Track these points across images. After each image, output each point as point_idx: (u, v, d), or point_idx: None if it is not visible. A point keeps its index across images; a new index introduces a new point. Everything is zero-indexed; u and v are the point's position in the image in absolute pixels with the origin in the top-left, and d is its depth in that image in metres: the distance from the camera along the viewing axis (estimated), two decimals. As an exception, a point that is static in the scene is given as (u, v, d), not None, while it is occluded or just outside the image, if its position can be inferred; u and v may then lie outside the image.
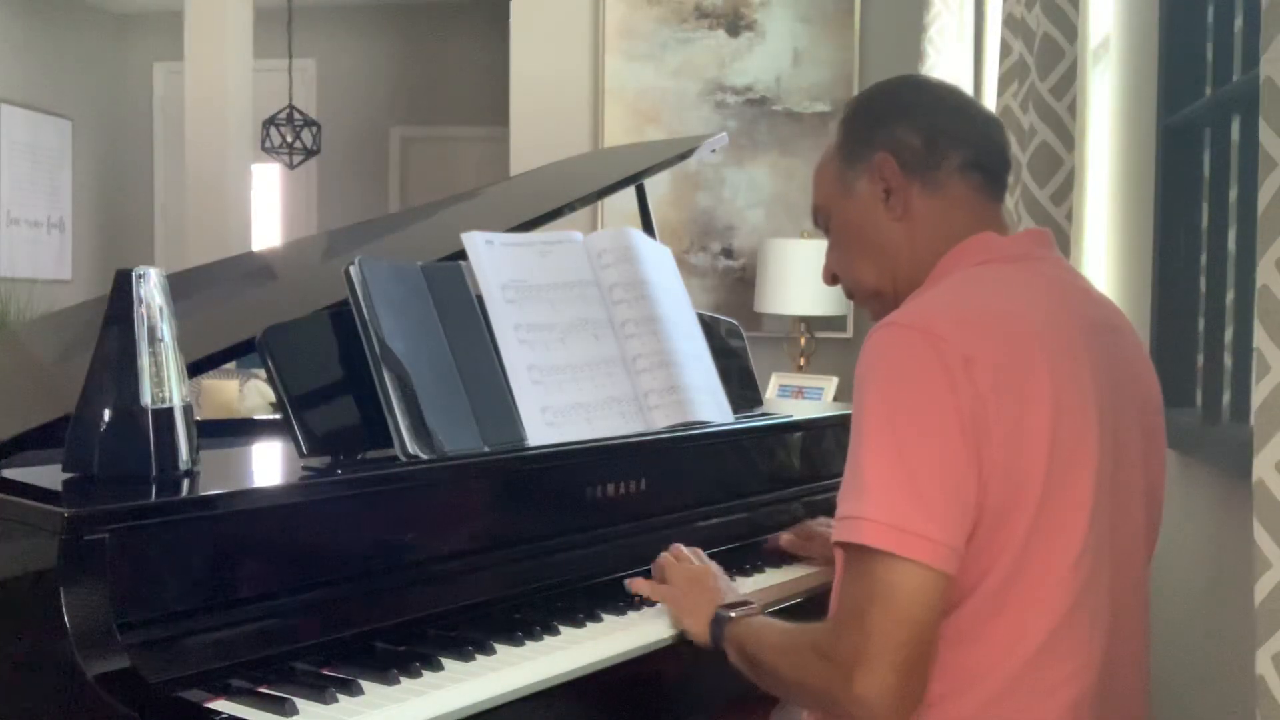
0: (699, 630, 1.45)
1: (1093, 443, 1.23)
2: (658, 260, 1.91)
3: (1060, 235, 2.06)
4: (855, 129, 1.43)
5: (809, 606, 1.67)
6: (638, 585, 1.57)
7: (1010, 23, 2.28)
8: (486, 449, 1.55)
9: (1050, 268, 1.37)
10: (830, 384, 4.00)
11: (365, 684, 1.21)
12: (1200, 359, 1.87)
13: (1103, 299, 1.42)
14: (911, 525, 1.14)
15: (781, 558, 1.84)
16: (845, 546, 1.19)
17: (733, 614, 1.41)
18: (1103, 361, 1.28)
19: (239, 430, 2.00)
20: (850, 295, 1.49)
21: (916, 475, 1.16)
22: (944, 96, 1.43)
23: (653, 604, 1.55)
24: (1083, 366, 1.25)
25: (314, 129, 6.88)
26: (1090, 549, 1.22)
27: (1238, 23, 1.76)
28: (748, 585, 1.71)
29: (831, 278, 1.50)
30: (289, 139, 6.76)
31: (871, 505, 1.16)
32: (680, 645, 1.48)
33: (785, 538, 1.86)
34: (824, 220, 1.48)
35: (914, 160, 1.37)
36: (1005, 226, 1.41)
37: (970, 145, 1.38)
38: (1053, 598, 1.21)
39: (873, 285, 1.43)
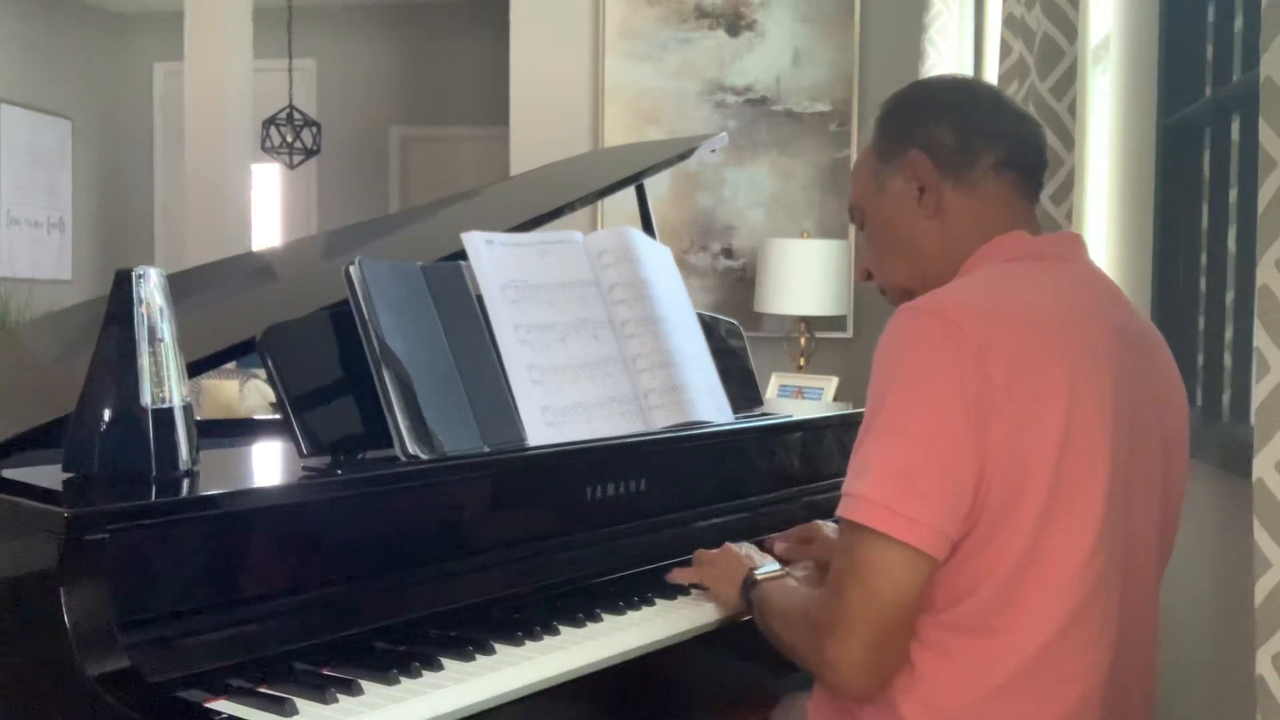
0: (732, 594, 1.52)
1: (1107, 444, 1.23)
2: (658, 260, 1.91)
3: (1060, 235, 2.06)
4: (890, 126, 1.43)
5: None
6: (678, 574, 1.63)
7: (1010, 23, 2.28)
8: (486, 449, 1.55)
9: (1079, 269, 1.37)
10: (830, 384, 4.00)
11: (365, 684, 1.21)
12: (1200, 359, 1.87)
13: (1132, 305, 1.41)
14: (899, 505, 1.17)
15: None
16: (843, 522, 1.23)
17: (758, 575, 1.48)
18: (1125, 365, 1.27)
19: (239, 430, 2.00)
20: (883, 293, 1.49)
21: (913, 457, 1.19)
22: (980, 95, 1.42)
23: (652, 604, 1.55)
24: (1102, 368, 1.25)
25: (314, 129, 6.89)
26: (1102, 550, 1.22)
27: (1238, 23, 1.76)
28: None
29: (865, 274, 1.50)
30: (289, 139, 6.77)
31: (867, 483, 1.19)
32: (681, 645, 1.48)
33: (780, 546, 1.81)
34: (860, 217, 1.48)
35: (948, 158, 1.37)
36: (1039, 226, 1.40)
37: (1005, 144, 1.37)
38: (1062, 596, 1.21)
39: (904, 283, 1.43)
